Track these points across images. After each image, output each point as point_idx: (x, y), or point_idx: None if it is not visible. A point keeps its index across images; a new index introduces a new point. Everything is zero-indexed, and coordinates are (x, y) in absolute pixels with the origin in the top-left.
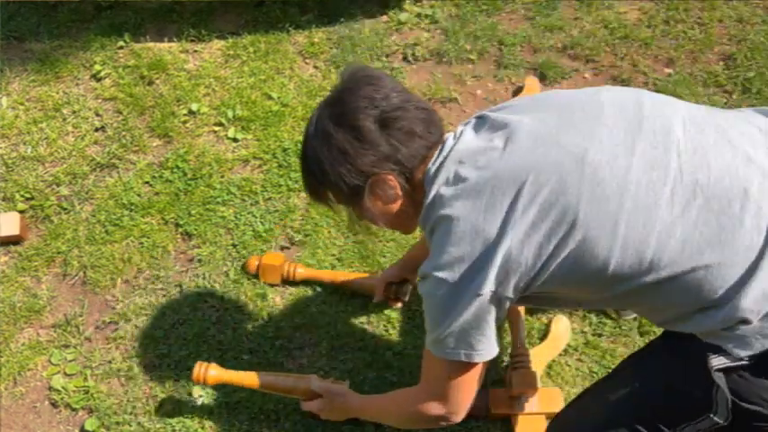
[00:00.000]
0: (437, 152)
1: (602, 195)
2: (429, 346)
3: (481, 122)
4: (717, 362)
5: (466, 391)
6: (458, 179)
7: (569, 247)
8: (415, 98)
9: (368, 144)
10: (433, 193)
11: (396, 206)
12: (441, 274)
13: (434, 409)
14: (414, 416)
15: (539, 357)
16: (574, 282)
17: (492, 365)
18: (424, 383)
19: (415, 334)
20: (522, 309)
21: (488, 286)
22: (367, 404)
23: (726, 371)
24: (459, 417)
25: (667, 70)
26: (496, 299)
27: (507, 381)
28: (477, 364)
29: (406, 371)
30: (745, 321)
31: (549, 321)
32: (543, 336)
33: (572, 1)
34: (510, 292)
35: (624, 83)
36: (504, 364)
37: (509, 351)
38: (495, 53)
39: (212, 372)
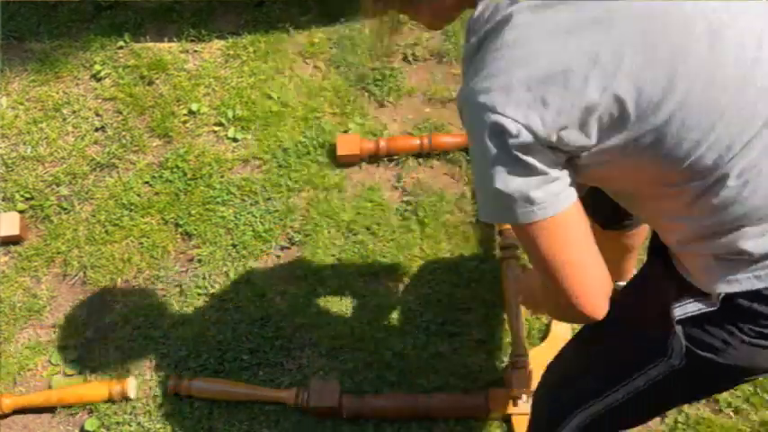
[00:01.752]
0: None
1: (720, 82)
2: (490, 218)
3: None
4: (680, 311)
5: (574, 259)
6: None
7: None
8: None
9: None
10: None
11: (441, 8)
12: (489, 106)
13: (558, 295)
14: (555, 308)
15: (539, 357)
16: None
17: (492, 365)
18: (534, 270)
19: (414, 334)
20: (522, 309)
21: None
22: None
23: (687, 321)
24: (586, 299)
25: None
26: (564, 151)
27: (507, 381)
28: (566, 214)
29: (406, 371)
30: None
31: (549, 321)
32: (543, 336)
33: None
34: (578, 143)
35: None
36: (504, 364)
37: (509, 351)
38: None
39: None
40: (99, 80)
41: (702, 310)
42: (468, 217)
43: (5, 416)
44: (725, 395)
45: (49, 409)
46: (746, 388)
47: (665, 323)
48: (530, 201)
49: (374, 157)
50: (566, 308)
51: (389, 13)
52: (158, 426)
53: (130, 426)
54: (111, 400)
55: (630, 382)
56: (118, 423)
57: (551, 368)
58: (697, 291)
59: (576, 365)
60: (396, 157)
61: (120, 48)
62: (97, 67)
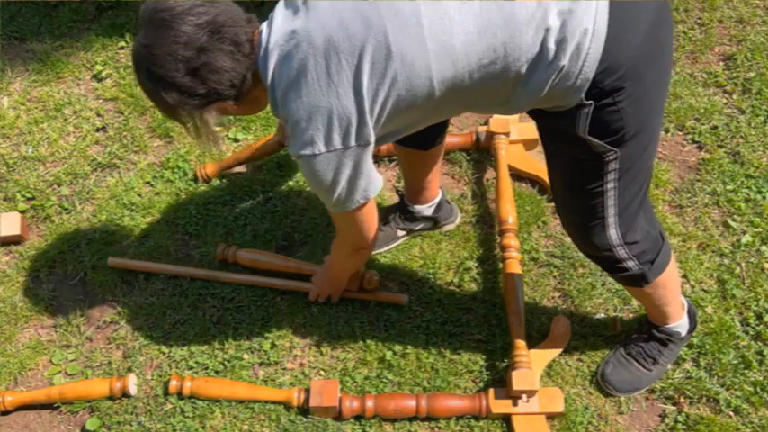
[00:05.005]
0: (258, 47)
1: (403, 23)
2: (332, 209)
3: (286, 4)
4: (582, 129)
5: (371, 221)
6: (285, 60)
7: (396, 76)
8: (218, 21)
9: (187, 94)
10: (269, 81)
11: (237, 108)
12: (308, 151)
13: (356, 246)
14: (349, 257)
15: (539, 357)
16: (414, 106)
17: (492, 365)
18: (342, 236)
19: (414, 334)
20: (522, 309)
21: (351, 141)
22: (330, 265)
23: (590, 127)
24: (371, 241)
25: None
26: (363, 146)
27: (507, 381)
28: (372, 198)
29: (406, 370)
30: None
31: (550, 321)
32: (543, 336)
33: None
34: (371, 137)
35: None
36: (504, 364)
37: (509, 351)
38: None
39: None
40: (100, 80)
41: (590, 113)
42: (469, 217)
43: (7, 412)
44: (725, 395)
45: (51, 409)
46: (746, 388)
47: (586, 148)
48: (364, 189)
49: (374, 158)
50: (360, 252)
51: (199, 116)
52: (159, 425)
53: (131, 425)
54: (111, 397)
55: (608, 185)
56: (119, 422)
57: (568, 220)
58: (573, 111)
59: (580, 211)
60: (396, 158)
61: (122, 48)
62: (98, 67)
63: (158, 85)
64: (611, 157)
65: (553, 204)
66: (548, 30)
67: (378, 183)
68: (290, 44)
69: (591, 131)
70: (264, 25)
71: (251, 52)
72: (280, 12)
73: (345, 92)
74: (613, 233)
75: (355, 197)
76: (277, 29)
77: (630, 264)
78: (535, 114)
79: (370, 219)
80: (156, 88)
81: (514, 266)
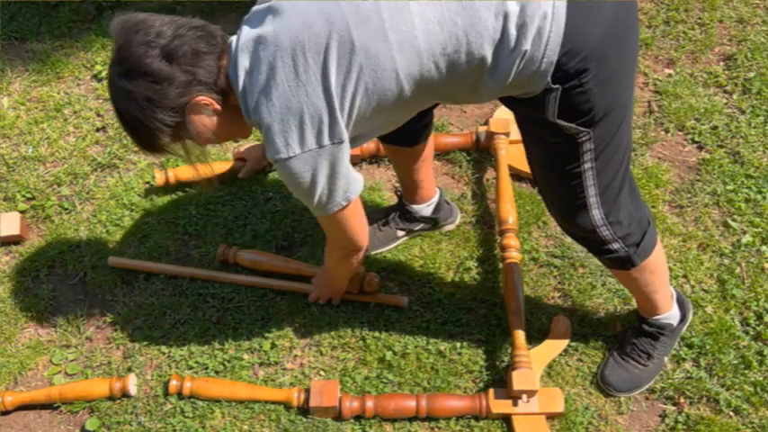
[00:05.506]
0: (229, 55)
1: (364, 18)
2: (316, 213)
3: (252, 15)
4: (552, 114)
5: (357, 222)
6: (254, 66)
7: (361, 69)
8: (185, 21)
9: (165, 81)
10: (240, 88)
11: (220, 119)
12: (283, 154)
13: (346, 249)
14: (342, 261)
15: (539, 357)
16: (384, 101)
17: (492, 365)
18: (331, 240)
19: (414, 334)
20: (522, 309)
21: (325, 140)
22: (327, 269)
23: (559, 112)
24: (365, 241)
25: (667, 70)
26: (337, 144)
27: (507, 381)
28: (355, 198)
29: (406, 370)
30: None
31: (550, 321)
32: (543, 336)
33: None
34: (344, 135)
35: None
36: (504, 364)
37: (509, 351)
38: None
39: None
40: (100, 80)
41: (557, 97)
42: (469, 217)
43: (7, 412)
44: (725, 395)
45: (51, 409)
46: (747, 388)
47: (557, 131)
48: (344, 190)
49: (375, 157)
50: (352, 254)
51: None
52: (159, 425)
53: (131, 425)
54: (111, 397)
55: (585, 166)
56: (119, 422)
57: (551, 203)
58: (541, 96)
59: (561, 194)
60: (387, 156)
61: None
62: (98, 67)
63: (135, 79)
64: (583, 138)
65: None
66: (506, 15)
67: (358, 183)
68: (257, 49)
69: (560, 115)
70: (234, 37)
71: (224, 45)
72: (247, 22)
73: (314, 90)
74: (596, 213)
75: (336, 199)
76: (245, 36)
77: (616, 245)
78: (507, 102)
79: (356, 220)
80: (133, 84)
81: (514, 266)
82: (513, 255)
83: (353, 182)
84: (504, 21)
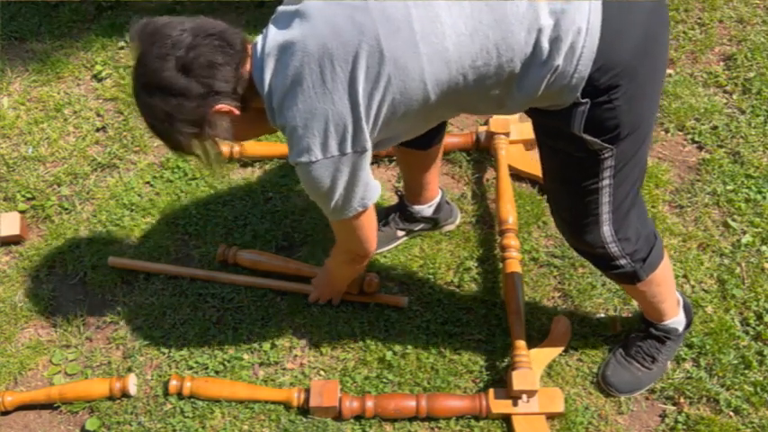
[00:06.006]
0: (251, 59)
1: (394, 28)
2: (330, 217)
3: (279, 16)
4: (577, 128)
5: (369, 229)
6: (280, 69)
7: (390, 79)
8: (204, 27)
9: (181, 95)
10: (266, 91)
11: (242, 123)
12: (305, 158)
13: (353, 254)
14: (347, 264)
15: (539, 357)
16: (410, 110)
17: (492, 365)
18: (342, 242)
19: (414, 334)
20: (522, 309)
21: (348, 147)
22: (329, 270)
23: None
24: (373, 248)
25: (668, 70)
26: (359, 153)
27: (507, 381)
28: (371, 206)
29: (406, 370)
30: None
31: (550, 321)
32: (543, 336)
33: None
34: (367, 143)
35: None
36: (505, 364)
37: (509, 351)
38: None
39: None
40: (100, 80)
41: (586, 111)
42: (469, 217)
43: (7, 412)
44: (725, 395)
45: (51, 409)
46: (747, 388)
47: (581, 145)
48: (362, 197)
49: (374, 158)
50: (359, 259)
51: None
52: (159, 425)
53: (131, 425)
54: (111, 398)
55: (603, 182)
56: (119, 422)
57: (561, 217)
58: (569, 109)
59: (574, 208)
60: (395, 158)
61: (122, 48)
62: (98, 67)
63: (154, 93)
64: (606, 155)
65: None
66: (540, 29)
67: (375, 191)
68: (285, 53)
69: (587, 129)
70: (259, 38)
71: (243, 53)
72: (274, 23)
73: (340, 98)
74: (607, 230)
75: (353, 205)
76: (271, 39)
77: (623, 261)
78: (531, 112)
79: (369, 227)
80: (153, 99)
81: (514, 266)
82: (513, 255)
83: (371, 189)
84: (536, 35)
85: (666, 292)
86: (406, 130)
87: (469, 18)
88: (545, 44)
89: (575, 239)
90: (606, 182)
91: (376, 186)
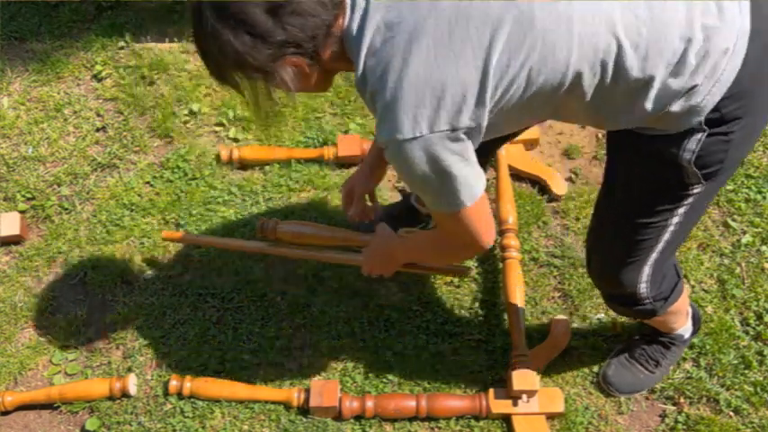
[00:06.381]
0: (348, 10)
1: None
2: (434, 208)
3: None
4: (687, 154)
5: (486, 219)
6: (390, 27)
7: (531, 52)
8: None
9: (260, 38)
10: (364, 51)
11: (303, 78)
12: (407, 134)
13: (471, 249)
14: (453, 257)
15: (539, 357)
16: (538, 95)
17: (492, 365)
18: (449, 237)
19: (414, 334)
20: (521, 309)
21: (462, 121)
22: (408, 248)
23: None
24: (491, 240)
25: None
26: (472, 129)
27: (507, 381)
28: (482, 194)
29: (406, 370)
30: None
31: (550, 321)
32: (543, 336)
33: None
34: (483, 120)
35: None
36: (504, 364)
37: (509, 351)
38: None
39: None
40: (100, 80)
41: (701, 140)
42: None
43: (7, 412)
44: (725, 395)
45: (51, 409)
46: (747, 388)
47: (676, 176)
48: (470, 186)
49: None
50: (471, 253)
51: (259, 83)
52: (159, 425)
53: (131, 425)
54: (111, 398)
55: (673, 220)
56: (119, 422)
57: (606, 250)
58: (681, 136)
59: (627, 244)
60: None
61: (122, 48)
62: (98, 67)
63: (229, 25)
64: (695, 190)
65: (586, 239)
66: (690, 40)
67: (482, 178)
68: (401, 8)
69: (696, 160)
70: None
71: (339, 8)
72: None
73: (466, 64)
74: (647, 270)
75: (462, 192)
76: None
77: (647, 302)
78: (622, 133)
79: (484, 217)
80: (225, 31)
81: (514, 266)
82: (513, 255)
83: (479, 176)
84: (686, 46)
85: (679, 316)
86: (502, 123)
87: (627, 10)
88: (692, 58)
89: (609, 277)
90: (676, 219)
91: (482, 173)
